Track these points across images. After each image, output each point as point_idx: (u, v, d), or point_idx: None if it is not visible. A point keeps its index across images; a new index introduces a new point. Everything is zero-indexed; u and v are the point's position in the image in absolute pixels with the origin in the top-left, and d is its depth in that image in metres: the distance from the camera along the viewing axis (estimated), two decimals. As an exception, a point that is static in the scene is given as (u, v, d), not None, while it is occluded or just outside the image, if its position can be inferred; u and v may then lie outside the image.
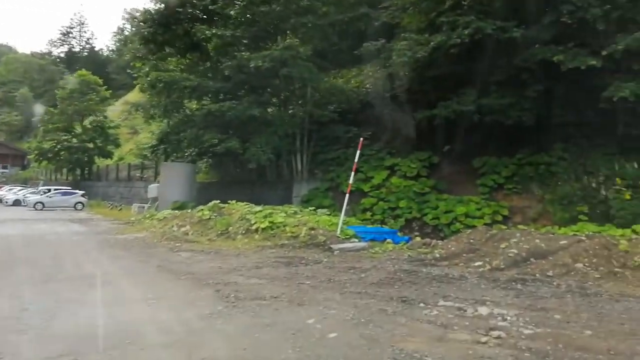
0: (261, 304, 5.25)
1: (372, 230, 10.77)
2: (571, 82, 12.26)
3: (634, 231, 8.84)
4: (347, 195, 10.30)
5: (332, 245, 9.25)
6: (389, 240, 10.13)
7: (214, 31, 16.70)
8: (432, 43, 12.57)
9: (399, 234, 11.31)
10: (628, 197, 10.72)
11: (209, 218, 11.83)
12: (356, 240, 9.85)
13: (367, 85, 19.21)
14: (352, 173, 10.42)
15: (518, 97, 12.60)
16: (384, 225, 13.04)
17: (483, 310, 5.02)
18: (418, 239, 10.43)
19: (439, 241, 9.76)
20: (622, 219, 10.39)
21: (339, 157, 17.63)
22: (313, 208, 12.49)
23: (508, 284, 6.41)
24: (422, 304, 5.32)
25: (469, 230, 9.97)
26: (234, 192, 18.32)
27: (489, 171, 13.82)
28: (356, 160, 10.30)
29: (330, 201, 16.46)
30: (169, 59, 21.45)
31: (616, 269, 6.83)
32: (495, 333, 4.28)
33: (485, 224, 12.35)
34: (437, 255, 8.55)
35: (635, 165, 11.53)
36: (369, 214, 15.22)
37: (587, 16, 11.21)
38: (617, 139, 12.30)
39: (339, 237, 9.80)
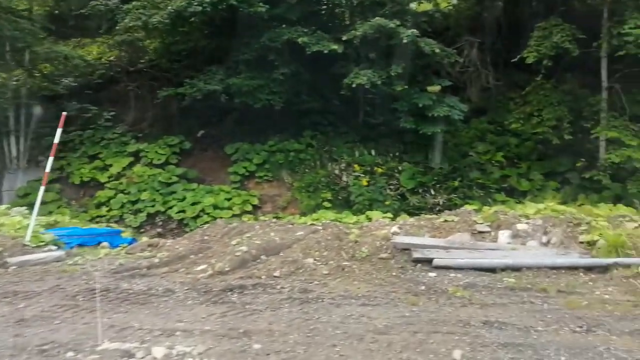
0: None
1: (83, 232, 8.42)
2: (318, 68, 12.08)
3: (367, 217, 8.73)
4: (42, 187, 7.72)
5: (8, 259, 6.65)
6: (104, 243, 7.99)
7: None
8: (169, 8, 10.80)
9: (123, 234, 9.20)
10: (365, 183, 10.93)
11: None
12: (54, 247, 7.42)
13: (110, 58, 16.39)
14: (51, 158, 7.87)
15: (267, 80, 11.85)
16: (112, 225, 10.76)
17: (159, 352, 3.49)
18: (145, 239, 8.57)
19: (167, 241, 8.08)
20: (360, 205, 10.54)
21: (72, 140, 14.59)
22: (7, 206, 9.40)
23: (222, 294, 5.11)
24: (71, 352, 3.51)
25: (207, 225, 8.61)
26: None
27: (241, 158, 12.85)
28: (56, 141, 7.80)
29: (55, 195, 13.42)
30: None
31: (345, 263, 6.23)
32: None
33: (234, 215, 11.38)
34: (157, 261, 6.85)
35: (373, 153, 11.95)
36: (104, 209, 12.82)
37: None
38: (358, 127, 12.64)
39: (28, 245, 7.21)
